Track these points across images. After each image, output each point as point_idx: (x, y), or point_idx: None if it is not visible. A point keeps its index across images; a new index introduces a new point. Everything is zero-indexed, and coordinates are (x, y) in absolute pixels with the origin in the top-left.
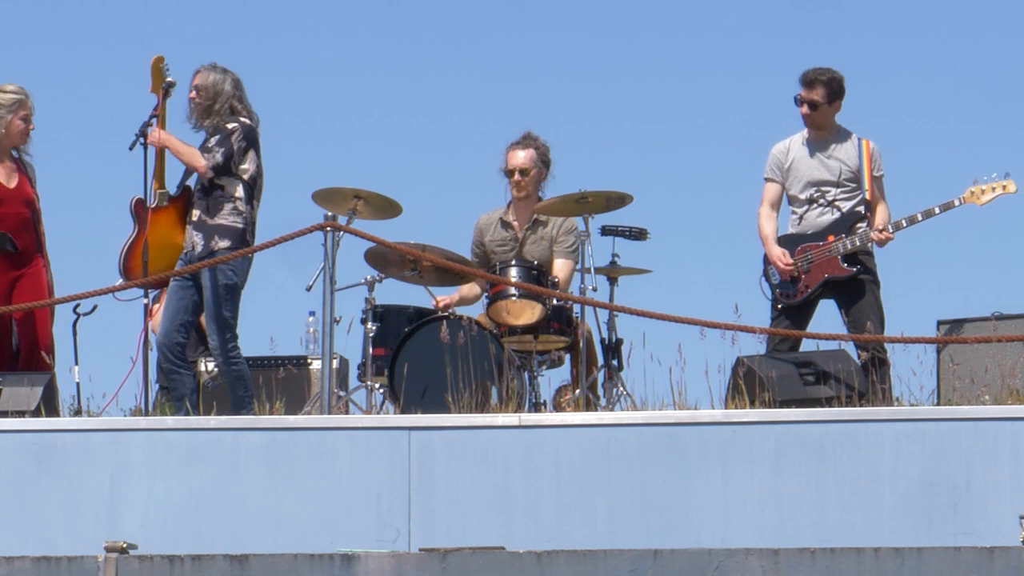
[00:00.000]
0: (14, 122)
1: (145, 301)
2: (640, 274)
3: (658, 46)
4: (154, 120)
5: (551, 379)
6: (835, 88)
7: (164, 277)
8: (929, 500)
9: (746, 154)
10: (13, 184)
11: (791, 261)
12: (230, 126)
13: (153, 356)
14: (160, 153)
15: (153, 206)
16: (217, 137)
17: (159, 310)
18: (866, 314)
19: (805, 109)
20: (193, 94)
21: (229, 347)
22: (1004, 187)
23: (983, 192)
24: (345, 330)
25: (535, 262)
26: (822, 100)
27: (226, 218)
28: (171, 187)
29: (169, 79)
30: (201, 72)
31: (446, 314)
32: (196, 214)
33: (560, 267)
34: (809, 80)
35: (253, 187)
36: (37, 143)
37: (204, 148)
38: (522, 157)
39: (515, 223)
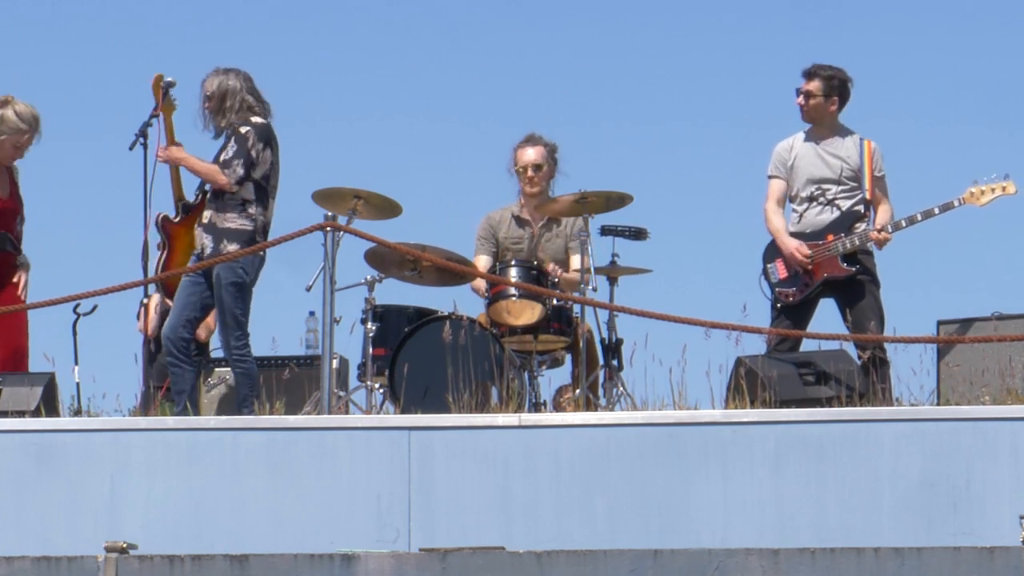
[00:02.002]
0: (5, 146)
1: (144, 300)
2: (640, 274)
3: (658, 46)
4: (154, 121)
5: (551, 379)
6: (834, 85)
7: (164, 276)
8: (929, 500)
9: (746, 154)
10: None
11: (808, 252)
12: (243, 130)
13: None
14: (175, 167)
15: (177, 220)
16: (234, 147)
17: (153, 308)
18: (866, 314)
19: (800, 99)
20: (206, 104)
21: (239, 345)
22: (1004, 188)
23: (983, 193)
24: (348, 330)
25: (535, 262)
26: (817, 93)
27: (235, 221)
28: (187, 192)
29: (168, 79)
30: (206, 80)
31: (446, 314)
32: (207, 215)
33: (577, 262)
34: (809, 72)
35: (266, 186)
36: (39, 143)
37: (222, 159)
38: (533, 154)
39: (531, 220)
